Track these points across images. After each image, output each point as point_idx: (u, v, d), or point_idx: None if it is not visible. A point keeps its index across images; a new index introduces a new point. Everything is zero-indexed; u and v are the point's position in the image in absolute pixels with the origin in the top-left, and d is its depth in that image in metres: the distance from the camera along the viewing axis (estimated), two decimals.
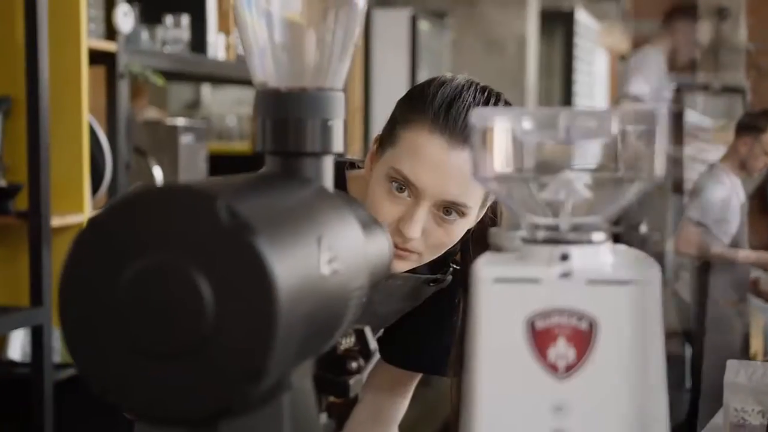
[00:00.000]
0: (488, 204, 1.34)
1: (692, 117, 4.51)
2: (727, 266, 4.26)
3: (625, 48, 9.04)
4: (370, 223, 0.82)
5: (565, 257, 0.67)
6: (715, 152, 4.33)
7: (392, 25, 5.01)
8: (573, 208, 0.69)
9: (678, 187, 4.39)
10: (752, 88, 9.12)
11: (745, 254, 4.38)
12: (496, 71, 5.52)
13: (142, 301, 0.60)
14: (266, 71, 0.77)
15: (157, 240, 0.60)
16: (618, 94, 4.60)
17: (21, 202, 2.41)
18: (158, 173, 3.00)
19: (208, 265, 0.59)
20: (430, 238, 1.27)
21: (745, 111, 4.44)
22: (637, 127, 0.66)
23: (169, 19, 3.09)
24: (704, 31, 4.46)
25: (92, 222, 0.61)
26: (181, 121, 3.25)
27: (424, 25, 5.11)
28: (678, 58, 4.43)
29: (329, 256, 0.67)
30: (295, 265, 0.62)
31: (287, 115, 0.76)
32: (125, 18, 2.65)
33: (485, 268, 0.67)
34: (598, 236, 0.68)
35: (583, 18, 7.49)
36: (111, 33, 2.67)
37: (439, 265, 1.41)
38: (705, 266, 4.32)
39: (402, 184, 1.25)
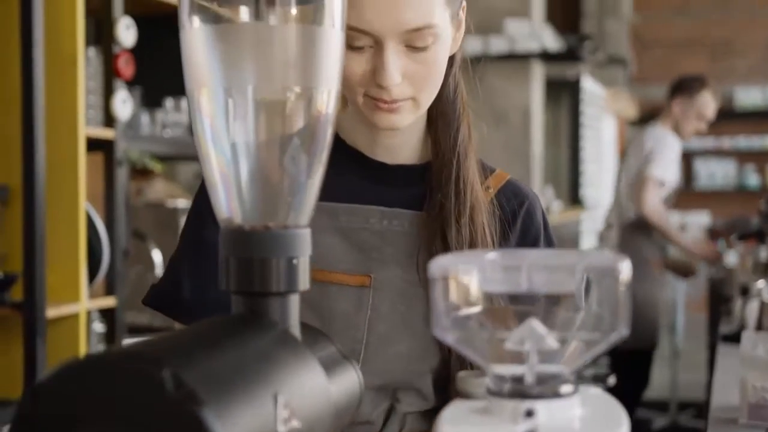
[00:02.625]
0: (462, 15, 1.22)
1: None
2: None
3: (633, 113, 9.07)
4: (336, 360, 0.80)
5: (530, 413, 0.64)
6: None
7: None
8: (540, 355, 0.67)
9: None
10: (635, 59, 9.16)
11: (689, 242, 4.39)
12: (501, 143, 5.53)
13: None
14: (231, 208, 0.76)
15: (100, 411, 0.58)
16: (624, 169, 4.52)
17: (16, 292, 2.39)
18: (158, 257, 2.99)
19: None
20: (414, 77, 1.15)
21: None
22: (600, 279, 0.64)
23: (169, 102, 3.10)
24: (710, 103, 4.44)
25: (34, 390, 0.59)
26: (182, 203, 3.24)
27: None
28: (681, 132, 4.43)
29: (287, 413, 0.65)
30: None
31: (252, 255, 0.74)
32: (124, 105, 2.66)
33: (448, 426, 0.64)
34: (566, 389, 0.66)
35: (589, 85, 7.52)
36: (109, 119, 2.68)
37: None
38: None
39: (355, 38, 1.12)
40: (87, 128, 2.56)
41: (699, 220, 9.85)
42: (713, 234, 5.02)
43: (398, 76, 1.14)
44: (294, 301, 0.76)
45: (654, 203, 4.20)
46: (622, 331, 0.65)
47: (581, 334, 0.66)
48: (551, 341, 0.66)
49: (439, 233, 1.21)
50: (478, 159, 1.30)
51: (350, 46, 1.13)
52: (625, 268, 0.64)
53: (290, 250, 0.75)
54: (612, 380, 3.68)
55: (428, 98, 1.19)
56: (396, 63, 1.13)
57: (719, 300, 4.13)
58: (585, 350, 0.66)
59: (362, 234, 1.23)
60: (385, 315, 1.20)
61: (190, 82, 0.75)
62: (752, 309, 2.81)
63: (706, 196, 9.98)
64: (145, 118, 2.97)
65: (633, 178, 4.34)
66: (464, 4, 1.23)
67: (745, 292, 3.09)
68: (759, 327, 2.79)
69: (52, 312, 2.41)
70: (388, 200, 1.25)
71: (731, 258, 4.90)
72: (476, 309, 0.67)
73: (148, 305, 1.31)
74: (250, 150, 0.75)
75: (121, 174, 2.70)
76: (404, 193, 1.26)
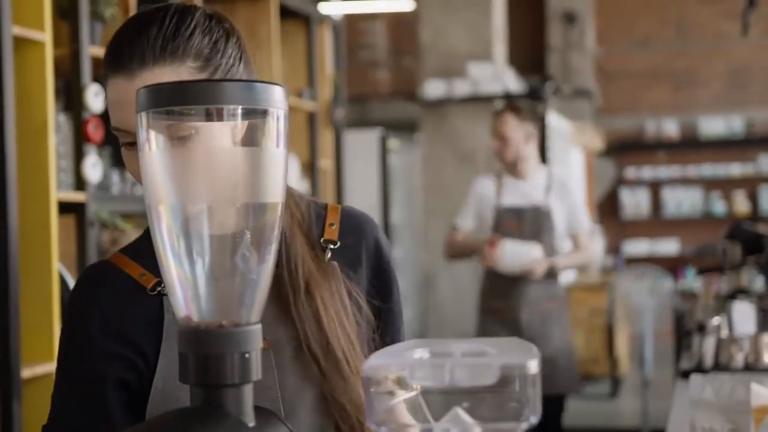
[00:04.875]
0: None
1: None
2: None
3: (599, 144, 9.23)
4: None
5: None
6: None
7: (363, 144, 5.16)
8: None
9: None
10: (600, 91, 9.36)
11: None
12: (467, 183, 5.62)
13: None
14: (188, 308, 0.84)
15: None
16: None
17: None
18: None
19: None
20: None
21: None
22: (513, 374, 0.73)
23: None
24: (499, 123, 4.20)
25: None
26: None
27: (394, 144, 5.24)
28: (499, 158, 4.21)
29: None
30: None
31: (208, 351, 0.82)
32: (94, 168, 2.74)
33: None
34: None
35: (554, 121, 7.64)
36: (80, 183, 2.75)
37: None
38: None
39: (122, 136, 1.20)
40: (58, 192, 2.63)
41: (668, 247, 10.02)
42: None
43: None
44: (248, 391, 0.84)
45: (445, 247, 4.19)
46: (531, 420, 0.73)
47: (498, 423, 0.75)
48: (476, 428, 0.75)
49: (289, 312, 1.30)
50: (307, 197, 1.37)
51: (122, 144, 1.22)
52: (533, 365, 0.73)
53: (243, 345, 0.83)
54: None
55: None
56: None
57: (682, 333, 4.21)
58: None
59: None
60: (290, 368, 1.30)
61: (149, 198, 0.85)
62: (708, 346, 2.90)
63: (674, 224, 10.14)
64: (115, 177, 3.05)
65: None
66: None
67: (702, 328, 3.17)
68: (716, 363, 2.87)
69: (27, 372, 2.47)
70: None
71: (696, 285, 4.96)
72: (405, 401, 0.76)
73: None
74: (204, 258, 0.84)
75: (93, 235, 2.77)
76: None
